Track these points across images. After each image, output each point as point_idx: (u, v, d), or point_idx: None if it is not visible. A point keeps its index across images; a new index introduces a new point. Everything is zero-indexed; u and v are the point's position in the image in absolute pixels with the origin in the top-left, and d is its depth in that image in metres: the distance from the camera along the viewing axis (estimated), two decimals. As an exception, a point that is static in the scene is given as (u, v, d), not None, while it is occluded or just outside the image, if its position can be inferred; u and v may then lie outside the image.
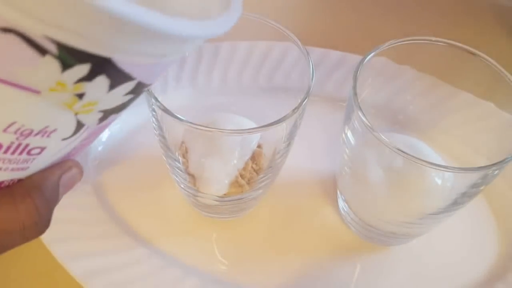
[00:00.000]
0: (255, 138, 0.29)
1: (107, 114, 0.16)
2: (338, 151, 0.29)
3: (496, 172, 0.25)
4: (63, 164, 0.20)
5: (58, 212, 0.29)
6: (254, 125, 0.29)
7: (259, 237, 0.31)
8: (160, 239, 0.30)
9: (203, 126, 0.24)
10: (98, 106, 0.15)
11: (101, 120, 0.17)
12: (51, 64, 0.13)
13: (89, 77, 0.13)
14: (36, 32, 0.12)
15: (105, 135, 0.34)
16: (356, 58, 0.35)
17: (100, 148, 0.33)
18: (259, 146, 0.29)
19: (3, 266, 0.29)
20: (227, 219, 0.32)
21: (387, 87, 0.31)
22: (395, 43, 0.28)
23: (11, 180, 0.17)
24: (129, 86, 0.15)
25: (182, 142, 0.29)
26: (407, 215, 0.28)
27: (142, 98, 0.27)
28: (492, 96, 0.28)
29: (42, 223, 0.18)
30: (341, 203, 0.31)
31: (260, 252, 0.30)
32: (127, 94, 0.16)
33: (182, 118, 0.24)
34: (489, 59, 0.28)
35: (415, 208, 0.28)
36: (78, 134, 0.16)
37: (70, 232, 0.29)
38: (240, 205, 0.30)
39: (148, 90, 0.25)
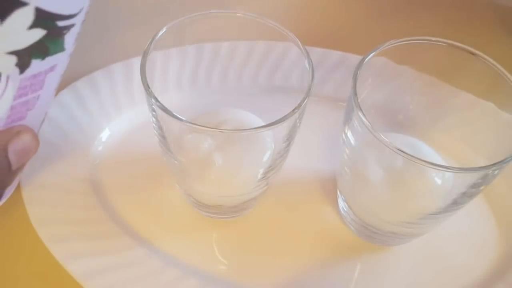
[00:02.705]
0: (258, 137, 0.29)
1: (24, 58, 0.14)
2: (338, 151, 0.29)
3: (496, 172, 0.25)
4: (9, 130, 0.17)
5: (58, 212, 0.30)
6: (262, 122, 0.29)
7: (259, 237, 0.31)
8: (160, 239, 0.30)
9: (203, 126, 0.24)
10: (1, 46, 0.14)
11: (21, 67, 0.15)
12: None
13: None
14: None
15: (105, 135, 0.34)
16: (356, 58, 0.35)
17: (100, 148, 0.33)
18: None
19: (3, 266, 0.29)
20: (227, 219, 0.32)
21: (387, 87, 0.31)
22: (395, 43, 0.28)
23: None
24: (27, 15, 0.13)
25: (182, 142, 0.29)
26: (407, 215, 0.28)
27: (142, 98, 0.28)
28: (492, 96, 0.28)
29: None
30: (341, 203, 0.31)
31: (260, 252, 0.30)
32: (31, 27, 0.14)
33: (182, 118, 0.24)
34: (489, 59, 0.27)
35: (415, 208, 0.28)
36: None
37: (70, 232, 0.29)
38: (240, 205, 0.30)
39: (148, 89, 0.25)
